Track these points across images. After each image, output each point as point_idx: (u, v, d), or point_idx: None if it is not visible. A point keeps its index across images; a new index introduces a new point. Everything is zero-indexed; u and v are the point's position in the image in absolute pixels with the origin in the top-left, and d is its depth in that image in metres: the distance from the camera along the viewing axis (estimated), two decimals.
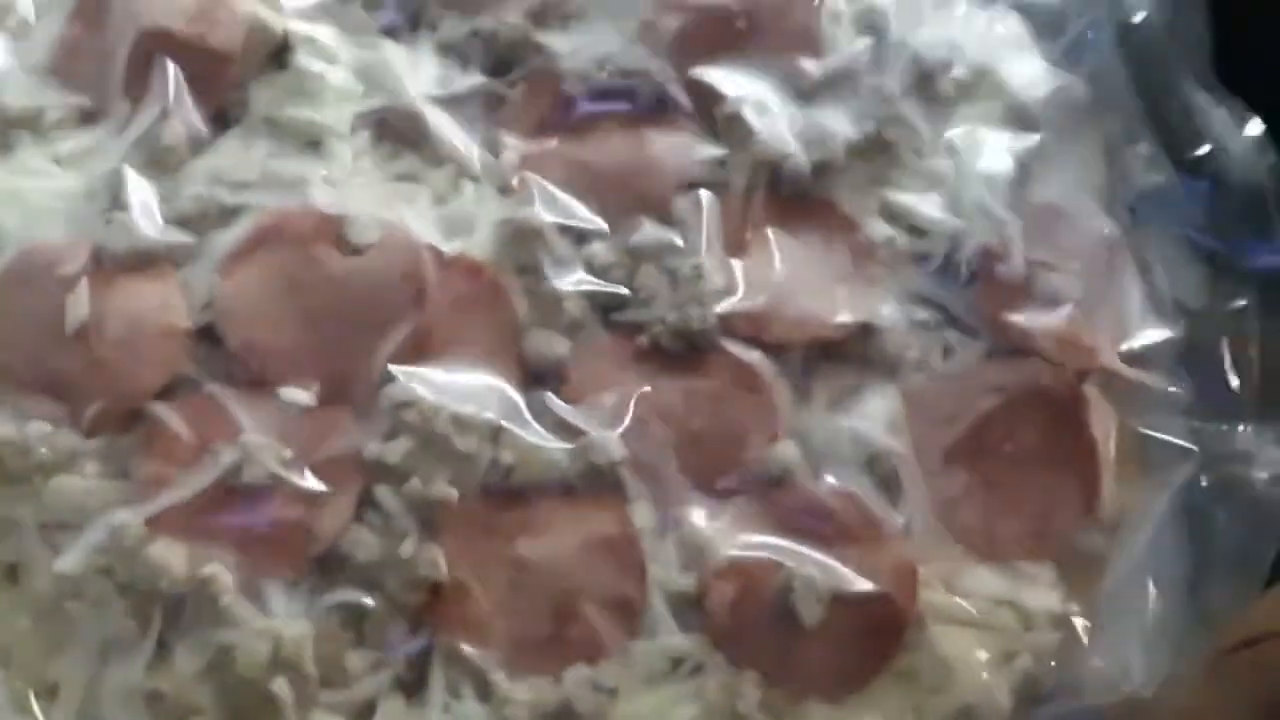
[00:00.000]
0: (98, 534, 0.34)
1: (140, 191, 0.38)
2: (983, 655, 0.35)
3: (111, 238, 0.37)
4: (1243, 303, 0.40)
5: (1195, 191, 0.42)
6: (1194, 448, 0.38)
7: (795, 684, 0.35)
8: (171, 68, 0.39)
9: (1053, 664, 0.36)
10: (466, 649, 0.34)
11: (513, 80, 0.42)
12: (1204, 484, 0.38)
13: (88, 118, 0.40)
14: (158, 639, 0.33)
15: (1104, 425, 0.38)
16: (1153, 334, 0.40)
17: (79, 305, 0.36)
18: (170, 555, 0.34)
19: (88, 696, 0.34)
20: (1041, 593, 0.37)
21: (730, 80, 0.41)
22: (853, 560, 0.35)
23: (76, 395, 0.36)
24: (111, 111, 0.40)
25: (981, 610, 0.36)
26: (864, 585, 0.35)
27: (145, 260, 0.37)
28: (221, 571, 0.34)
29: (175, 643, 0.33)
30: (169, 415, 0.35)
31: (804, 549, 0.35)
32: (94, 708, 0.34)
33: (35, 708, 0.33)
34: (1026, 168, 0.41)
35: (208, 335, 0.37)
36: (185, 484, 0.35)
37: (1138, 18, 0.43)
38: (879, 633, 0.35)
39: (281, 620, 0.33)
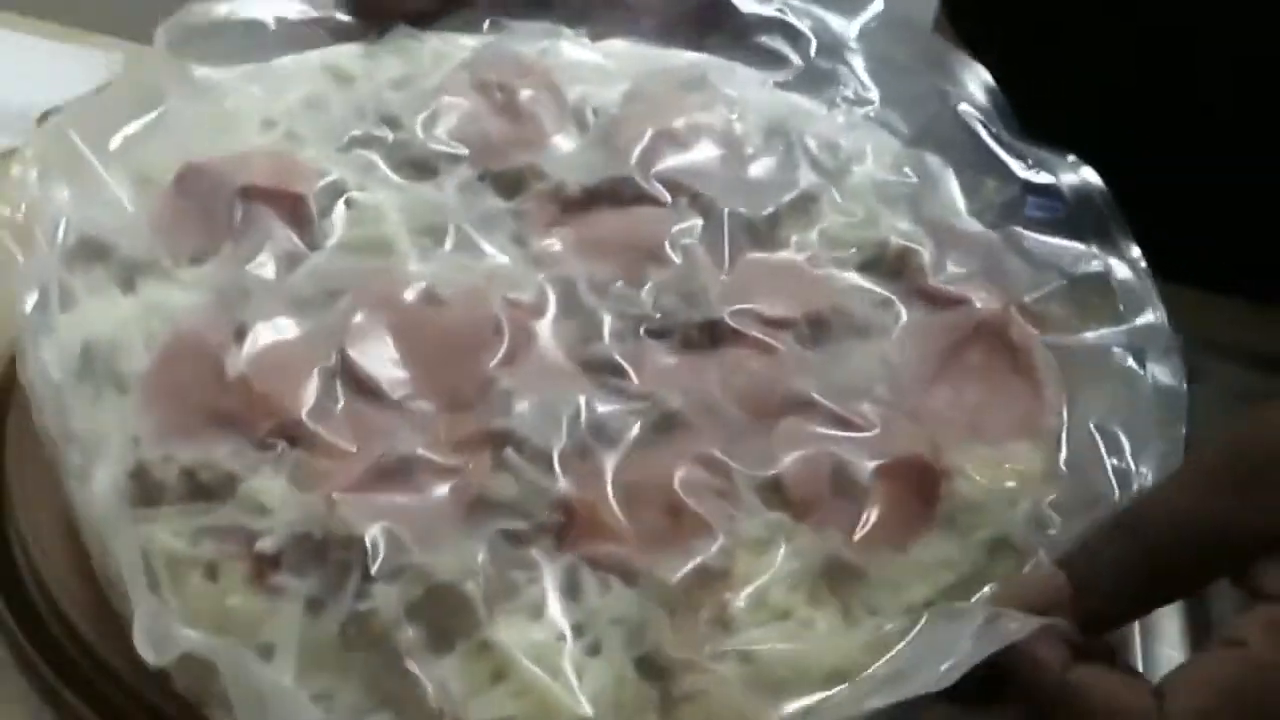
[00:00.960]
0: (289, 514, 0.41)
1: (261, 292, 0.47)
2: (999, 498, 0.45)
3: (249, 314, 0.46)
4: None
5: (1040, 205, 0.56)
6: None
7: (867, 540, 0.43)
8: (264, 209, 0.50)
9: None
10: (606, 550, 0.42)
11: (523, 201, 0.53)
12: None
13: (197, 260, 0.49)
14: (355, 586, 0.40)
15: (1031, 338, 0.50)
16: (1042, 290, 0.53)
17: (235, 361, 0.44)
18: (354, 518, 0.41)
19: (304, 643, 0.39)
20: (1026, 455, 0.47)
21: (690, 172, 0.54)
22: (882, 441, 0.45)
23: (246, 423, 0.43)
24: (219, 251, 0.49)
25: (982, 470, 0.46)
26: (901, 451, 0.45)
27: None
28: (396, 526, 0.41)
29: (370, 586, 0.40)
30: (324, 425, 0.43)
31: (846, 436, 0.45)
32: (308, 654, 0.39)
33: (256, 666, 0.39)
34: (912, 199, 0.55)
35: (339, 375, 0.45)
36: (351, 468, 0.42)
37: (961, 105, 0.59)
38: (920, 488, 0.45)
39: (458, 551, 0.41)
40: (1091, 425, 0.48)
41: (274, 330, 0.46)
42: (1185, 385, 0.49)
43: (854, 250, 0.53)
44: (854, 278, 0.52)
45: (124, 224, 0.50)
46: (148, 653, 0.37)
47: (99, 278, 0.48)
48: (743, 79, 0.60)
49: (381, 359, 0.46)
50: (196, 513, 0.42)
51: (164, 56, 0.55)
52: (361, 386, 0.45)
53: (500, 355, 0.47)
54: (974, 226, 0.55)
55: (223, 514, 0.41)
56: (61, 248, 0.48)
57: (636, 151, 0.55)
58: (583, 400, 0.45)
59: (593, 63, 0.59)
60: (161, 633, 0.38)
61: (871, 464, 0.45)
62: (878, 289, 0.51)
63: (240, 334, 0.46)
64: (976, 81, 0.58)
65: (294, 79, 0.57)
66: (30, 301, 0.44)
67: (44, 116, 0.50)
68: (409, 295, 0.48)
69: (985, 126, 0.58)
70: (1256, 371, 0.61)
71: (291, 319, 0.47)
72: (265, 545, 0.41)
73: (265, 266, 0.48)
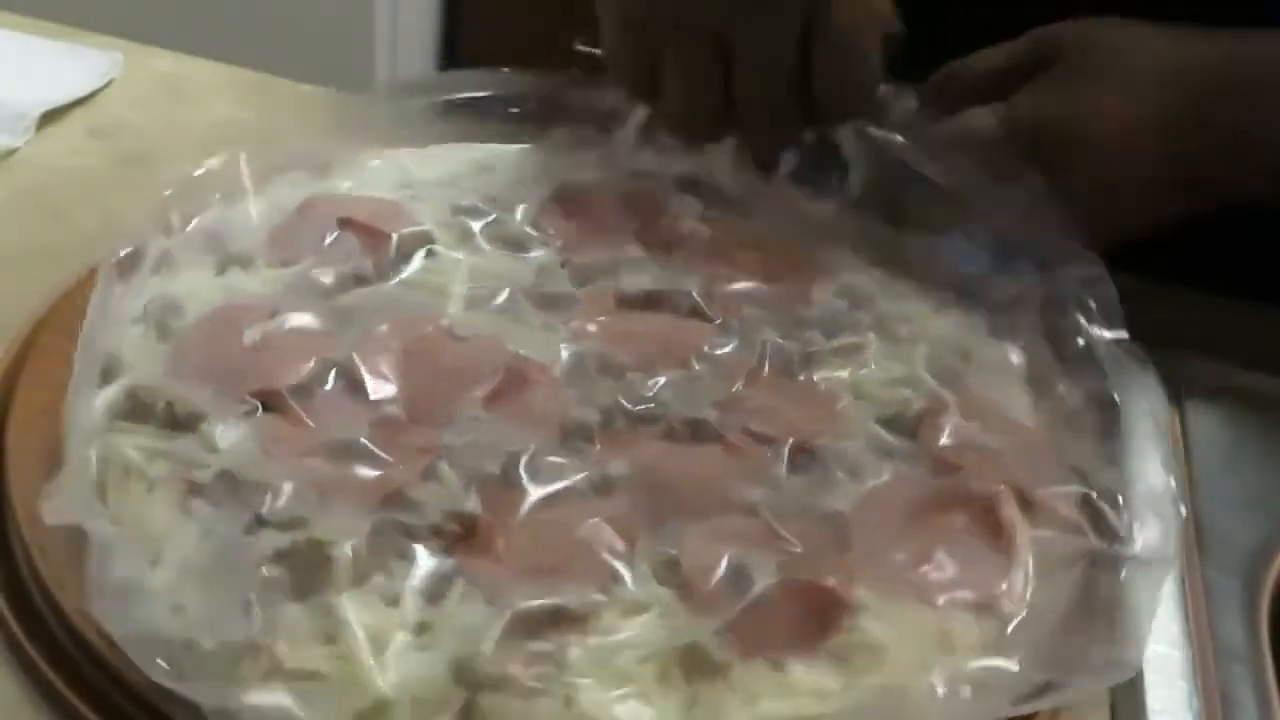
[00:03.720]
0: (230, 457, 0.45)
1: (310, 293, 0.53)
2: (912, 654, 0.43)
3: (285, 302, 0.52)
4: None
5: None
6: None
7: (743, 643, 0.42)
8: (352, 238, 0.56)
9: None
10: (484, 567, 0.43)
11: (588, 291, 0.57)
12: None
13: (285, 265, 0.56)
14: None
15: (1018, 522, 0.47)
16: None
17: (255, 330, 0.50)
18: (274, 470, 0.45)
19: (185, 559, 0.43)
20: (963, 627, 0.44)
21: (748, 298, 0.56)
22: (800, 562, 0.44)
23: (235, 381, 0.48)
24: (301, 262, 0.56)
25: (902, 622, 0.44)
26: (811, 575, 0.43)
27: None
28: (306, 487, 0.44)
29: (261, 529, 0.43)
30: (300, 401, 0.48)
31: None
32: (191, 566, 0.43)
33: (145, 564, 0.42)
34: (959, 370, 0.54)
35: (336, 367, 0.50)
36: (303, 438, 0.46)
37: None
38: (819, 613, 0.43)
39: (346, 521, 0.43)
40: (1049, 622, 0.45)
41: (304, 322, 0.51)
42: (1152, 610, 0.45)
43: (878, 405, 0.52)
44: (869, 424, 0.51)
45: (246, 229, 0.57)
46: (48, 513, 0.42)
47: (205, 261, 0.56)
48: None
49: (380, 366, 0.50)
50: (162, 437, 0.46)
51: (338, 128, 0.63)
52: (351, 382, 0.49)
53: (487, 391, 0.49)
54: (1026, 421, 0.53)
55: (181, 444, 0.46)
56: (187, 231, 0.56)
57: (706, 271, 0.57)
58: (534, 446, 0.47)
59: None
60: (71, 499, 0.42)
61: (775, 575, 0.43)
62: (887, 438, 0.51)
63: (273, 317, 0.51)
64: (1085, 271, 0.57)
65: (442, 162, 0.63)
66: (120, 251, 0.52)
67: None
68: (432, 327, 0.52)
69: (1082, 324, 0.56)
70: (1256, 371, 0.59)
71: (325, 319, 0.52)
72: (199, 475, 0.45)
73: (329, 279, 0.54)
